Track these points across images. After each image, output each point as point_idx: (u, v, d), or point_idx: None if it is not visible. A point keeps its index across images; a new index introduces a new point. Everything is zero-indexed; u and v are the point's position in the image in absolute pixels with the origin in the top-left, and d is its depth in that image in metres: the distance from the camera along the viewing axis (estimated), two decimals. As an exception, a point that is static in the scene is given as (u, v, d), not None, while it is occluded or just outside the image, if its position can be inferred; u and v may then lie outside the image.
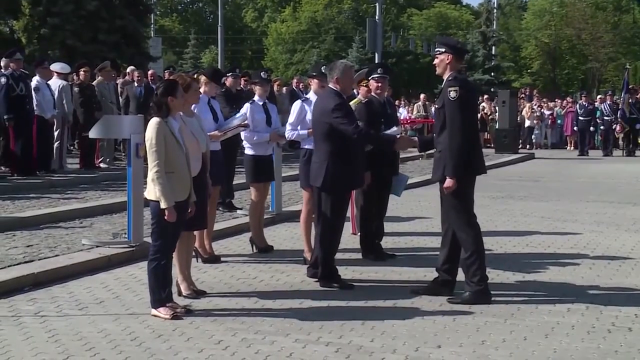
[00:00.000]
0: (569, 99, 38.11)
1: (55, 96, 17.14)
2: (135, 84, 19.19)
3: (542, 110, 34.95)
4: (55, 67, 18.11)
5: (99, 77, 18.58)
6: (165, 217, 7.27)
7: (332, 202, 8.72)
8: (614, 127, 30.63)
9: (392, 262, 10.04)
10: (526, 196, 16.97)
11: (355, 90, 10.73)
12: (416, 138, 10.58)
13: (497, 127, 31.48)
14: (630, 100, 30.03)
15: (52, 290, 8.41)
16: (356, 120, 8.84)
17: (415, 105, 34.33)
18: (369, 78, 10.46)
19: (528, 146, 33.65)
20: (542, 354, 6.46)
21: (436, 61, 8.45)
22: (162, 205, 7.23)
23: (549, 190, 18.28)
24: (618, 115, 30.28)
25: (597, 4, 77.88)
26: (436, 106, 8.65)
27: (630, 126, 29.83)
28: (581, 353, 6.47)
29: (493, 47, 56.71)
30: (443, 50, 8.35)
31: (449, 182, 7.95)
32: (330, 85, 8.93)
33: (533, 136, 34.26)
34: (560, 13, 77.45)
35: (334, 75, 8.87)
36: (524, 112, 34.20)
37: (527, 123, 34.14)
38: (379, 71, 10.55)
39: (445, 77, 8.32)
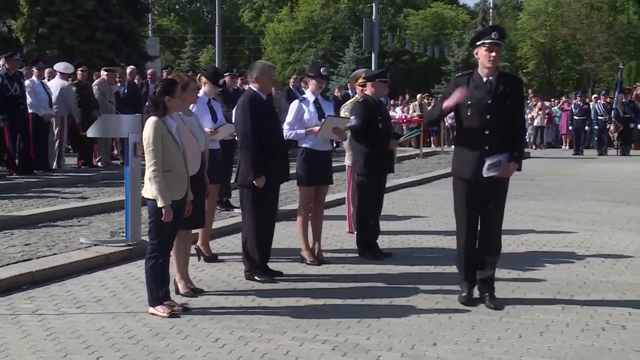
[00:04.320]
0: (563, 98, 38.10)
1: (55, 96, 17.22)
2: (119, 84, 19.02)
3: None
4: (59, 67, 18.20)
5: (102, 77, 18.53)
6: (162, 217, 7.28)
7: (251, 195, 8.86)
8: (608, 126, 30.68)
9: (388, 260, 10.04)
10: (521, 195, 16.97)
11: (350, 90, 10.80)
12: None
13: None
14: (623, 100, 30.10)
15: (50, 289, 8.42)
16: (251, 117, 8.80)
17: (412, 104, 34.21)
18: (372, 80, 10.46)
19: (534, 146, 33.37)
20: (536, 351, 6.48)
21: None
22: (159, 204, 7.23)
23: (544, 189, 18.31)
24: (612, 115, 30.35)
25: (592, 4, 77.90)
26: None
27: (624, 126, 29.87)
28: (575, 351, 6.50)
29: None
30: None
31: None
32: (250, 85, 9.10)
33: (530, 133, 34.02)
34: (556, 13, 77.44)
35: (253, 74, 9.04)
36: (534, 112, 34.05)
37: (536, 122, 34.02)
38: (384, 76, 10.66)
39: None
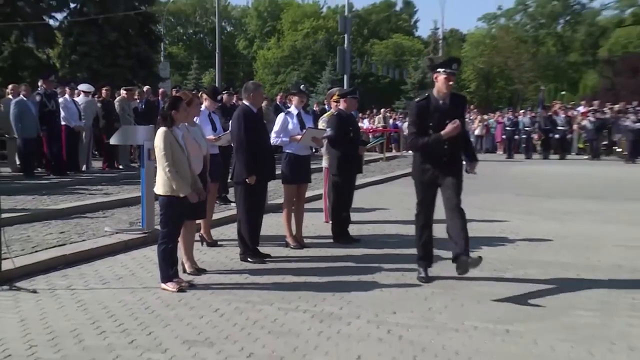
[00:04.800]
0: (498, 113, 38.28)
1: (82, 109, 17.21)
2: (137, 100, 19.04)
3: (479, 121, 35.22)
4: (82, 87, 18.22)
5: (122, 95, 18.51)
6: (190, 200, 7.46)
7: (244, 191, 8.86)
8: (532, 136, 31.01)
9: (357, 245, 10.04)
10: (464, 191, 16.97)
11: (326, 105, 10.77)
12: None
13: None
14: (544, 115, 30.42)
15: (81, 269, 8.40)
16: (245, 127, 8.77)
17: (377, 117, 34.39)
18: (345, 96, 10.45)
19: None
20: (475, 316, 6.51)
21: None
22: (182, 194, 7.36)
23: (483, 186, 18.27)
24: (536, 127, 30.74)
25: (520, 37, 78.56)
26: None
27: (545, 135, 30.16)
28: (506, 314, 6.54)
29: (439, 71, 56.91)
30: None
31: None
32: (244, 101, 9.09)
33: (473, 141, 34.29)
34: (492, 44, 78.10)
35: (246, 92, 9.09)
36: (475, 124, 34.28)
37: (477, 132, 34.19)
38: (354, 94, 10.65)
39: None
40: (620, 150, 29.77)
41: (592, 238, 10.70)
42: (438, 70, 7.60)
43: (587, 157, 29.79)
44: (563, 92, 65.27)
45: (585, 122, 30.82)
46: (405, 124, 34.38)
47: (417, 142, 7.71)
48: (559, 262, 8.96)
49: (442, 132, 7.41)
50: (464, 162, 7.85)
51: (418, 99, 8.01)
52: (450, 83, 7.49)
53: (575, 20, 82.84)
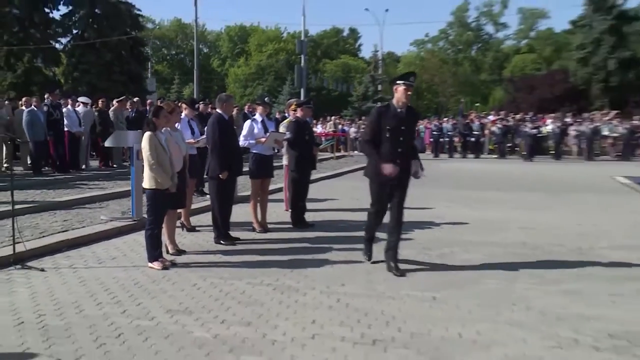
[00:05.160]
0: (426, 120, 38.52)
1: (82, 117, 17.12)
2: (129, 110, 18.88)
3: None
4: (82, 99, 18.15)
5: (115, 105, 18.31)
6: (169, 190, 7.39)
7: (217, 185, 8.80)
8: (454, 139, 31.37)
9: (312, 229, 9.98)
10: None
11: (286, 113, 10.75)
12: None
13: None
14: (463, 122, 30.89)
15: (81, 251, 8.27)
16: (218, 132, 8.74)
17: (328, 123, 34.51)
18: (301, 106, 10.46)
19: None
20: (408, 286, 6.49)
21: None
22: (165, 187, 7.32)
23: (415, 180, 18.39)
24: (456, 131, 31.12)
25: (443, 60, 79.35)
26: None
27: (464, 138, 30.54)
28: (432, 282, 6.51)
29: (379, 85, 57.11)
30: None
31: None
32: (218, 110, 9.03)
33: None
34: (421, 65, 78.73)
35: (219, 103, 9.02)
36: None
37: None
38: (309, 104, 10.78)
39: None
40: (519, 150, 30.31)
41: (500, 221, 10.81)
42: (397, 82, 7.24)
43: (495, 156, 30.15)
44: (477, 104, 65.99)
45: (494, 128, 31.19)
46: (352, 129, 34.65)
47: (364, 147, 7.51)
48: (475, 241, 9.02)
49: (383, 165, 7.02)
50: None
51: (379, 105, 7.66)
52: (409, 93, 7.15)
53: (485, 47, 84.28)
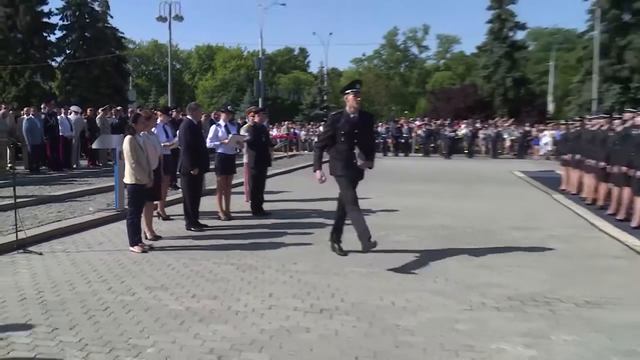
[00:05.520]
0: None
1: (73, 124, 16.74)
2: (113, 117, 18.49)
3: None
4: (73, 108, 17.66)
5: (101, 114, 17.97)
6: (147, 185, 7.27)
7: (188, 180, 8.66)
8: (387, 140, 31.57)
9: (269, 217, 9.90)
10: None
11: (246, 119, 10.66)
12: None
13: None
14: (394, 127, 31.13)
15: (73, 237, 8.06)
16: (189, 135, 8.58)
17: (282, 127, 34.36)
18: (258, 112, 10.44)
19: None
20: (351, 263, 6.50)
21: None
22: (143, 182, 7.21)
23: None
24: (389, 134, 31.32)
25: (378, 75, 79.75)
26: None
27: (396, 140, 30.73)
28: (370, 259, 6.53)
29: (325, 96, 57.20)
30: None
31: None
32: (188, 116, 8.93)
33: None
34: (360, 78, 78.86)
35: (190, 111, 8.92)
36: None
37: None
38: (264, 110, 10.79)
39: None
40: (440, 149, 30.71)
41: (425, 208, 10.91)
42: (346, 91, 6.86)
43: (421, 154, 30.49)
44: (406, 112, 66.34)
45: (419, 132, 31.57)
46: (302, 132, 34.58)
47: (315, 151, 7.19)
48: (404, 225, 9.08)
49: (316, 172, 6.94)
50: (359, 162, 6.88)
51: (334, 112, 7.17)
52: (358, 99, 6.78)
53: (411, 65, 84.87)
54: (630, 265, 6.71)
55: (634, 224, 8.94)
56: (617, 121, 10.33)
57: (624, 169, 9.19)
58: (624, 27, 40.43)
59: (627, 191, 9.38)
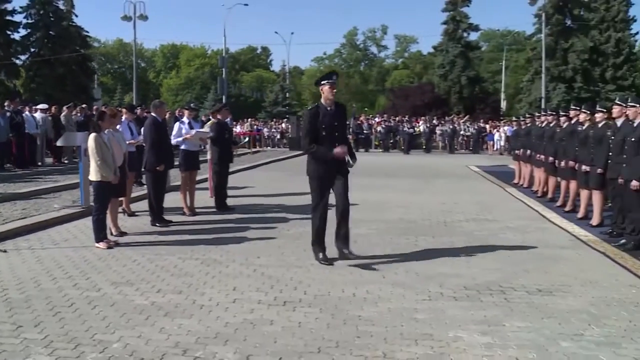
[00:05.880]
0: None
1: (39, 122, 16.30)
2: (79, 115, 18.09)
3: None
4: (40, 106, 17.25)
5: (65, 111, 17.54)
6: (112, 182, 7.10)
7: (152, 176, 8.57)
8: (348, 137, 31.64)
9: (232, 212, 9.81)
10: (304, 173, 17.04)
11: (210, 116, 10.58)
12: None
13: (289, 136, 31.65)
14: (355, 123, 31.28)
15: (38, 234, 7.84)
16: (153, 132, 8.50)
17: (246, 124, 34.17)
18: (220, 110, 10.39)
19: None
20: (312, 256, 6.40)
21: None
22: (109, 179, 7.05)
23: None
24: (350, 130, 31.44)
25: (339, 73, 79.59)
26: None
27: (356, 136, 30.88)
28: (330, 253, 6.44)
29: (287, 93, 57.03)
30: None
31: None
32: (152, 113, 8.82)
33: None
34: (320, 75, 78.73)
35: (155, 108, 8.82)
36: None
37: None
38: (226, 107, 10.66)
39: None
40: (399, 145, 31.01)
41: (384, 202, 10.97)
42: (322, 82, 6.32)
43: (381, 150, 30.70)
44: (366, 109, 66.79)
45: (379, 128, 31.79)
46: (265, 129, 34.41)
47: (307, 148, 6.32)
48: (364, 219, 9.03)
49: (334, 152, 6.13)
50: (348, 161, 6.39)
51: (309, 107, 6.57)
52: (334, 91, 6.27)
53: (371, 64, 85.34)
54: (577, 254, 6.87)
55: (579, 215, 9.17)
56: (563, 118, 10.57)
57: (571, 163, 9.41)
58: (567, 31, 41.82)
59: (573, 184, 9.62)
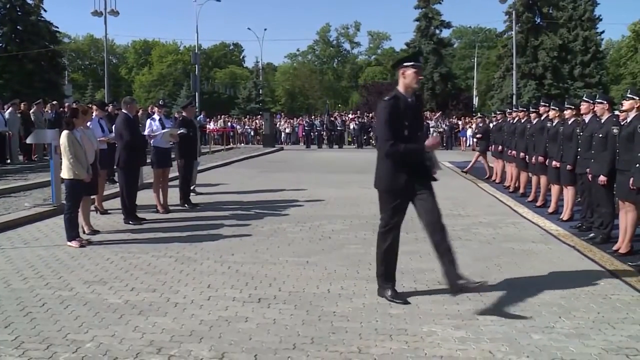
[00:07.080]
0: (299, 118, 38.67)
1: (7, 119, 16.02)
2: (49, 112, 17.93)
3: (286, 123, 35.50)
4: (8, 104, 16.95)
5: (35, 108, 17.21)
6: (85, 180, 7.01)
7: (125, 174, 8.50)
8: (322, 133, 31.73)
9: (199, 209, 9.77)
10: (277, 170, 17.08)
11: (183, 113, 10.53)
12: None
13: (263, 132, 31.55)
14: (329, 120, 31.36)
15: (8, 234, 7.69)
16: (124, 130, 8.42)
17: (219, 121, 33.98)
18: (186, 107, 10.50)
19: (282, 143, 33.56)
20: (286, 253, 6.42)
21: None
22: (81, 177, 6.96)
23: (291, 167, 18.46)
24: (324, 127, 31.53)
25: (312, 70, 79.80)
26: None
27: (329, 132, 30.92)
28: (305, 249, 6.51)
29: (260, 90, 56.79)
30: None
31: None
32: (124, 110, 8.76)
33: (283, 137, 34.48)
34: (294, 73, 78.79)
35: (125, 105, 8.77)
36: (285, 125, 34.76)
37: (287, 130, 34.54)
38: (192, 105, 10.81)
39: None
40: (373, 141, 31.15)
41: (357, 198, 10.98)
42: (405, 64, 4.73)
43: (354, 146, 30.80)
44: (339, 105, 67.01)
45: (352, 124, 31.88)
46: (238, 126, 34.21)
47: (397, 151, 4.64)
48: (338, 215, 9.11)
49: (426, 144, 4.64)
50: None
51: (387, 97, 4.75)
52: (420, 77, 4.75)
53: (344, 61, 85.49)
54: (548, 248, 6.98)
55: (550, 209, 9.32)
56: (533, 114, 10.72)
57: (541, 158, 9.56)
58: (536, 28, 42.52)
59: (544, 179, 9.77)
